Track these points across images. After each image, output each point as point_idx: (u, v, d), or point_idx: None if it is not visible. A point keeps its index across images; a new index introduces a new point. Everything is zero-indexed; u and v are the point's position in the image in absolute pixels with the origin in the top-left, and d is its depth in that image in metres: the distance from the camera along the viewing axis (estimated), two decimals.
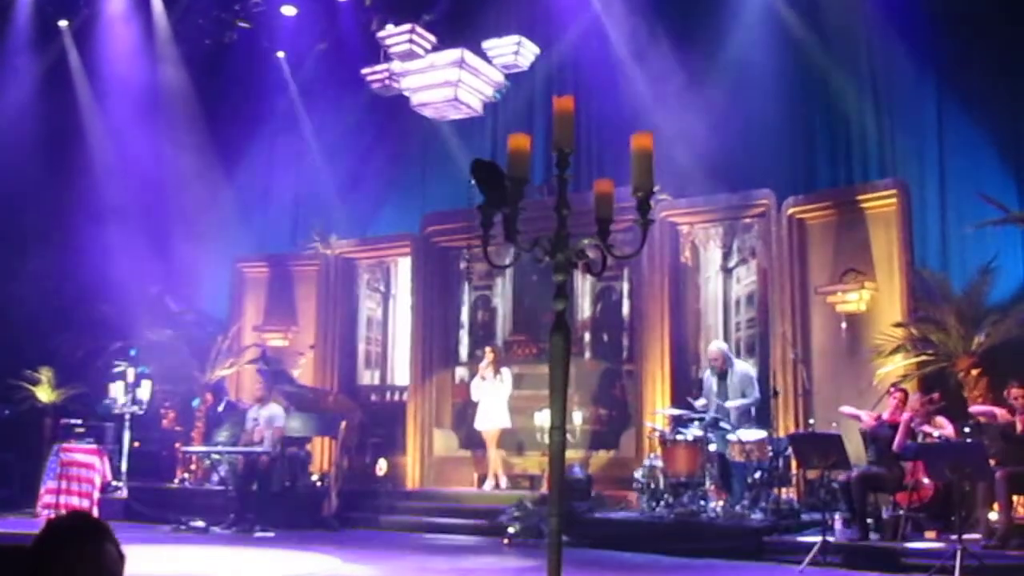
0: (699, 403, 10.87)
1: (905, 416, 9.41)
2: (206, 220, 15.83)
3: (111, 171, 15.81)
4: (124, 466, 13.53)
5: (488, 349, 13.42)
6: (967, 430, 9.66)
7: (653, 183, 4.27)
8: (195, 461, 14.11)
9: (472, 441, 13.55)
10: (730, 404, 10.66)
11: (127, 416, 13.59)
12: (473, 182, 4.19)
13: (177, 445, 14.42)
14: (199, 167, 16.05)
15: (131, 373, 13.86)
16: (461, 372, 14.63)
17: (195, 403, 14.80)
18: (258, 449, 12.18)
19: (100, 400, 14.03)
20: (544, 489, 11.44)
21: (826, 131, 13.11)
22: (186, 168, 16.00)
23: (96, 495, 12.77)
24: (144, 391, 13.79)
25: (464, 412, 13.69)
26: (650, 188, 4.24)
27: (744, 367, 11.12)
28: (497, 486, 12.81)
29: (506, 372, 13.12)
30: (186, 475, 14.07)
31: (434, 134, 15.27)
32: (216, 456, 12.75)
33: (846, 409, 9.97)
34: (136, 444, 13.94)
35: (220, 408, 13.60)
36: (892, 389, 9.90)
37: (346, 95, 15.71)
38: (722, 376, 10.89)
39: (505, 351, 14.28)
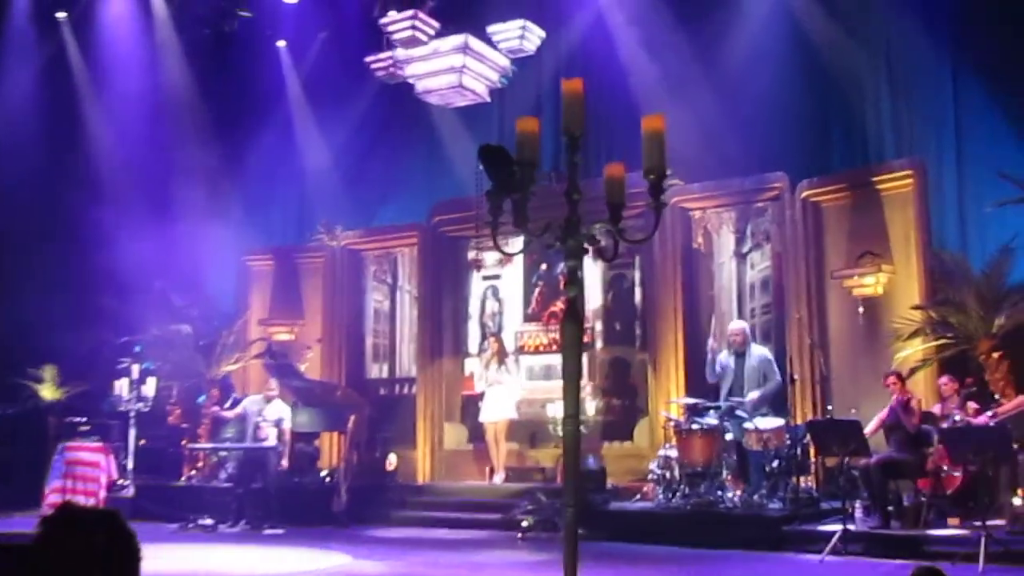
0: (722, 391, 10.76)
1: (898, 398, 9.40)
2: (210, 213, 15.81)
3: (114, 164, 15.81)
4: (130, 464, 13.54)
5: (491, 339, 13.44)
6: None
7: (665, 166, 4.25)
8: (202, 458, 14.11)
9: (481, 433, 13.53)
10: (753, 395, 10.58)
11: (132, 413, 13.60)
12: (481, 168, 4.18)
13: (183, 442, 14.43)
14: (202, 159, 16.04)
15: (136, 369, 13.85)
16: (471, 364, 14.60)
17: (201, 399, 14.81)
18: (265, 445, 12.17)
19: (105, 397, 14.03)
20: (558, 481, 11.41)
21: (840, 111, 13.02)
22: (189, 160, 15.99)
23: (102, 494, 12.79)
24: (149, 388, 13.78)
25: (474, 405, 13.68)
26: (662, 171, 4.24)
27: (762, 351, 11.08)
28: (507, 479, 12.79)
29: (512, 363, 13.10)
30: (193, 472, 14.08)
31: (440, 122, 15.21)
32: (223, 453, 12.74)
33: (869, 430, 9.74)
34: (142, 442, 13.95)
35: (227, 405, 13.57)
36: (884, 377, 9.87)
37: (350, 84, 15.65)
38: (740, 357, 10.84)
39: (516, 341, 14.27)
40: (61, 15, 16.32)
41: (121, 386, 13.65)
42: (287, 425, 12.35)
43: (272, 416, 12.35)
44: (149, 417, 14.11)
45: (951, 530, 8.93)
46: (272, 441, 12.20)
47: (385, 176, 16.23)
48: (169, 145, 15.97)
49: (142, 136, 15.55)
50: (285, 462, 12.63)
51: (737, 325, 11.21)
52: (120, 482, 13.38)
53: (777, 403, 10.87)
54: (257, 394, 13.24)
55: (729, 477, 10.41)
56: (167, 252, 15.30)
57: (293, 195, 17.06)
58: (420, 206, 15.31)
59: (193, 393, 15.04)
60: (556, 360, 12.15)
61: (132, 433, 13.66)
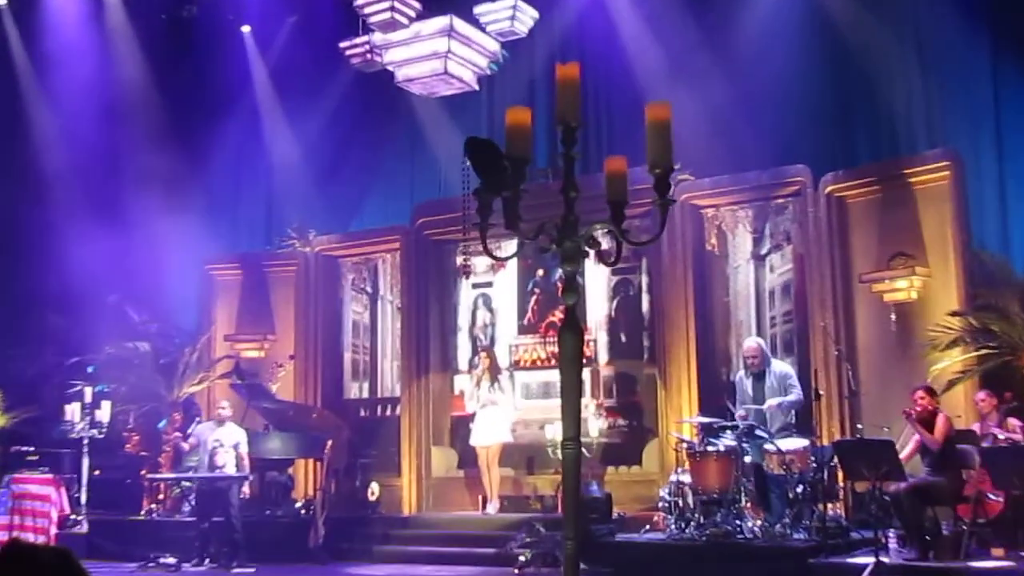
0: (740, 413, 10.74)
1: (914, 411, 9.33)
2: (169, 218, 15.77)
3: (61, 165, 15.76)
4: (84, 497, 13.49)
5: (483, 354, 13.42)
6: None
7: (672, 159, 4.27)
8: (163, 490, 14.06)
9: (473, 459, 13.49)
10: (771, 403, 10.54)
11: (85, 441, 13.55)
12: (468, 163, 4.18)
13: (143, 472, 14.37)
14: (159, 158, 16.00)
15: (89, 392, 13.82)
16: (461, 381, 14.57)
17: (162, 424, 14.76)
18: (236, 474, 12.13)
19: (55, 424, 13.99)
20: (558, 510, 11.37)
21: (866, 98, 13.01)
22: (145, 160, 15.94)
23: (53, 530, 12.75)
24: (104, 412, 13.74)
25: (465, 427, 13.66)
26: (669, 165, 4.26)
27: (783, 367, 11.03)
28: (501, 509, 12.75)
29: (506, 380, 13.07)
30: (154, 506, 14.03)
31: (423, 113, 15.19)
32: (187, 483, 12.69)
33: (905, 453, 9.68)
34: (96, 472, 13.91)
35: (190, 431, 13.52)
36: (912, 391, 9.78)
37: (322, 73, 15.65)
38: (759, 377, 10.80)
39: (511, 356, 14.24)
40: (1, 1, 16.28)
41: (73, 411, 13.61)
42: (245, 449, 12.28)
43: (228, 440, 12.26)
44: (104, 445, 14.07)
45: (995, 561, 8.88)
46: (231, 468, 12.12)
47: (363, 175, 16.24)
48: (122, 143, 15.93)
49: (92, 133, 15.50)
50: (247, 489, 12.56)
51: (752, 343, 11.11)
52: (73, 517, 13.33)
53: (800, 422, 10.84)
54: (209, 419, 13.13)
55: (748, 504, 10.37)
56: (122, 262, 15.26)
57: (261, 197, 17.05)
58: (402, 207, 15.30)
59: (153, 418, 15.00)
60: (555, 376, 12.12)
61: (85, 463, 13.62)
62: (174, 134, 16.18)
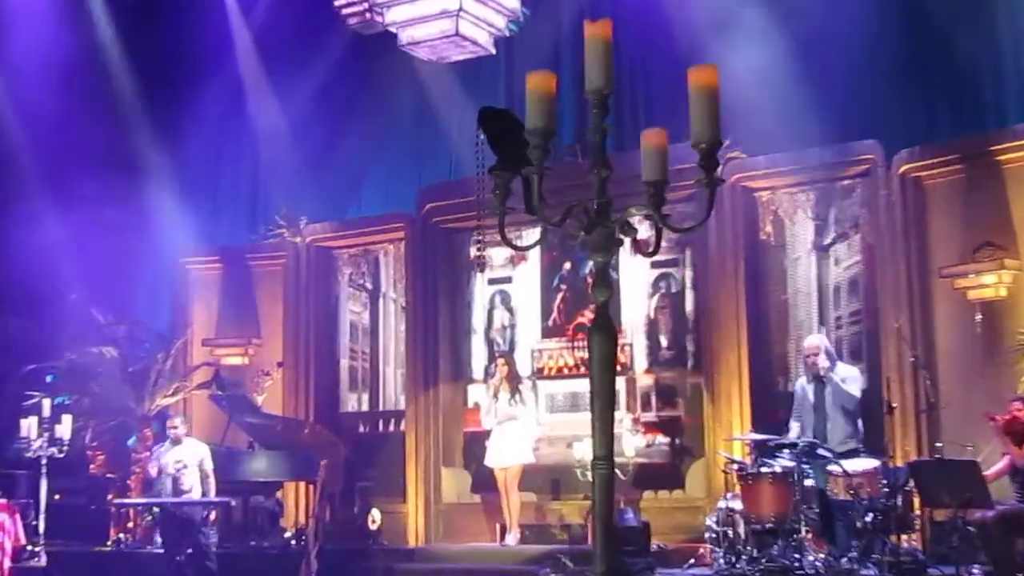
0: (792, 431, 10.70)
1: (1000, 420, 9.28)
2: (139, 205, 15.81)
3: (12, 146, 15.78)
4: (41, 525, 13.50)
5: (501, 361, 13.35)
6: None
7: (720, 132, 4.24)
8: (133, 517, 14.08)
9: (489, 482, 13.48)
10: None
11: (44, 461, 13.56)
12: (483, 138, 4.17)
13: (109, 497, 14.41)
14: (126, 138, 16.03)
15: (47, 405, 13.82)
16: (475, 392, 14.58)
17: (131, 442, 14.79)
18: (215, 499, 12.14)
19: (8, 441, 14.02)
20: (588, 542, 11.35)
21: (949, 63, 12.89)
22: (111, 139, 15.97)
23: (7, 564, 12.75)
24: (64, 428, 13.74)
25: (480, 445, 13.66)
26: (716, 139, 4.25)
27: (850, 371, 10.99)
28: (522, 540, 12.73)
29: (527, 390, 13.04)
30: (122, 536, 14.06)
31: (431, 81, 15.17)
32: (159, 510, 12.70)
33: (990, 473, 9.62)
34: (56, 497, 13.93)
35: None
36: (1008, 403, 9.73)
37: (315, 36, 15.64)
38: (821, 382, 10.75)
39: (533, 362, 14.22)
40: None
41: (29, 427, 13.61)
42: (209, 465, 12.31)
43: (191, 458, 12.28)
44: (65, 465, 14.08)
45: None
46: (197, 491, 12.15)
47: (362, 154, 16.21)
48: (84, 119, 15.90)
49: (50, 109, 15.50)
50: (213, 515, 12.55)
51: (813, 341, 11.13)
52: (29, 548, 13.34)
53: (871, 439, 10.78)
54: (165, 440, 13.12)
55: (809, 535, 10.34)
56: (84, 256, 15.29)
57: (244, 180, 17.07)
58: (407, 191, 15.32)
59: (121, 434, 15.06)
60: (584, 386, 12.06)
61: (44, 486, 13.62)
62: (145, 110, 16.21)
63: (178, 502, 12.12)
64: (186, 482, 12.20)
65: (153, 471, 12.76)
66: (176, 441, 12.44)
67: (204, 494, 12.21)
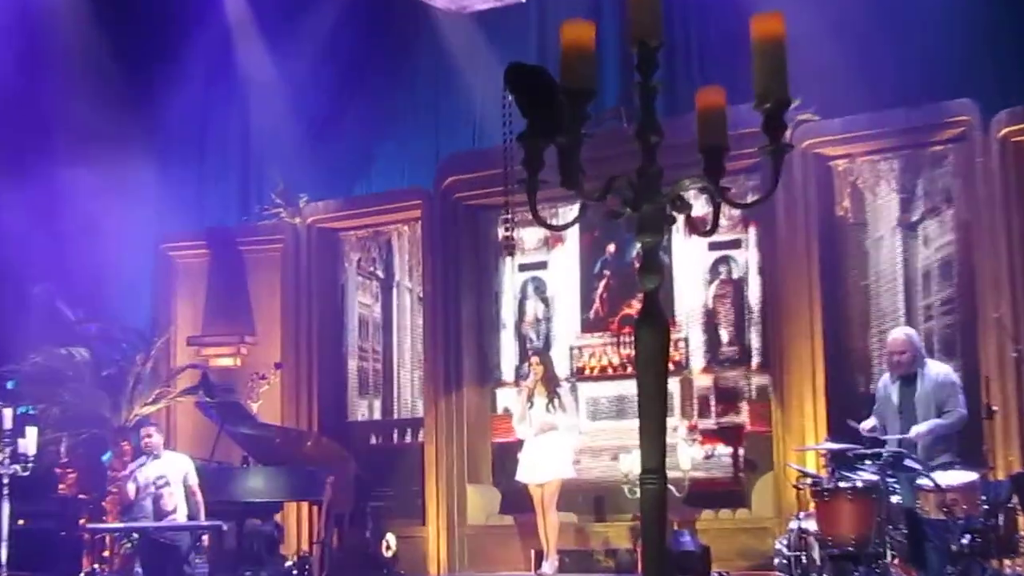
0: (866, 424, 10.70)
1: None
2: (113, 182, 15.85)
3: None
4: (3, 554, 13.61)
5: (534, 360, 13.29)
6: None
7: (788, 91, 4.21)
8: (109, 544, 14.16)
9: (522, 501, 13.51)
10: (919, 429, 10.47)
11: (5, 480, 13.66)
12: (511, 99, 4.16)
13: (82, 521, 14.48)
14: (99, 104, 16.06)
15: (8, 416, 13.89)
16: (505, 397, 14.61)
17: (106, 457, 14.86)
18: (207, 523, 12.19)
19: None
20: (638, 570, 11.38)
21: None
22: (80, 106, 16.01)
23: None
24: (29, 442, 13.80)
25: (511, 458, 13.69)
26: (784, 98, 4.22)
27: (942, 369, 10.94)
28: (560, 568, 12.76)
29: (567, 393, 13.04)
30: (97, 566, 14.14)
31: (452, 35, 15.19)
32: (138, 536, 12.78)
33: None
34: (21, 522, 14.00)
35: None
36: None
37: None
38: (908, 382, 10.71)
39: (572, 361, 14.23)
40: None
41: None
42: (195, 480, 12.34)
43: (174, 474, 12.31)
44: (30, 485, 14.15)
45: None
46: (183, 511, 12.20)
47: (371, 121, 16.23)
48: (49, 84, 16.00)
49: (8, 76, 15.59)
50: (203, 541, 12.61)
51: (899, 335, 11.01)
52: None
53: (965, 447, 10.76)
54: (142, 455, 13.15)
55: (896, 561, 10.33)
56: (51, 242, 15.37)
57: (234, 152, 17.09)
58: (424, 163, 15.37)
59: (94, 449, 15.11)
60: (631, 389, 12.07)
61: (5, 509, 13.71)
62: (119, 73, 16.26)
63: (161, 527, 12.15)
64: (169, 502, 12.21)
65: (131, 491, 12.80)
66: (152, 454, 12.48)
67: (191, 516, 12.24)
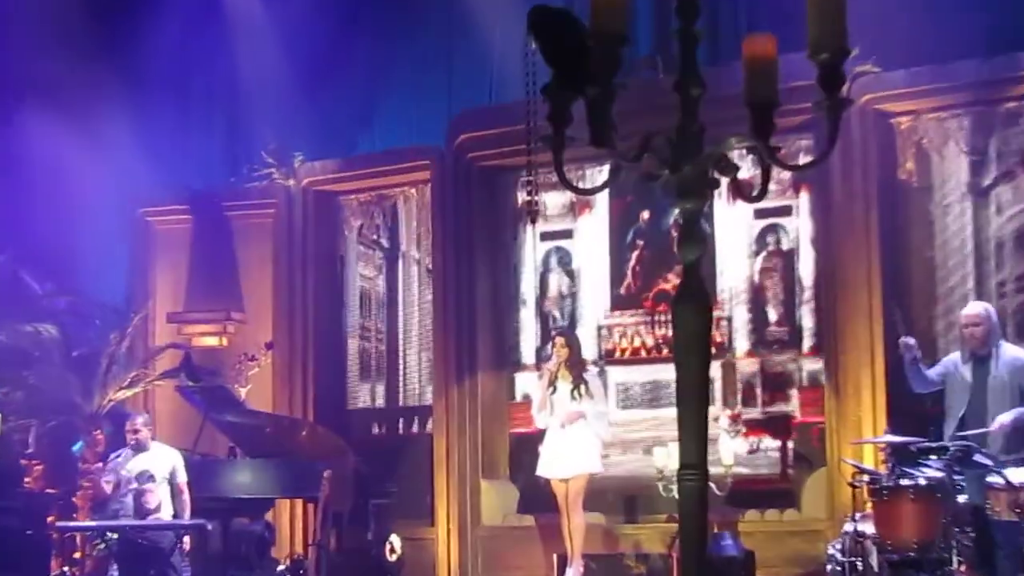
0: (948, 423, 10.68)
1: None
2: (85, 141, 15.87)
3: None
4: None
5: (559, 341, 13.25)
6: None
7: (846, 40, 4.19)
8: (81, 544, 14.22)
9: (543, 499, 13.54)
10: (1003, 419, 10.46)
11: None
12: (534, 47, 4.16)
13: (50, 519, 14.55)
14: (67, 59, 16.06)
15: None
16: (525, 382, 14.64)
17: (77, 448, 14.92)
18: (189, 522, 12.23)
19: None
20: None
21: None
22: (48, 57, 16.01)
23: None
24: None
25: (531, 450, 13.71)
26: (842, 48, 4.17)
27: (1020, 353, 10.94)
28: (586, 574, 12.79)
29: (594, 379, 13.04)
30: (67, 569, 14.21)
31: None
32: (113, 535, 12.84)
33: None
34: None
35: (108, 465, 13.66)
36: None
37: None
38: (981, 362, 10.71)
39: (601, 343, 14.25)
40: None
41: None
42: (183, 477, 12.37)
43: (160, 469, 12.34)
44: None
45: None
46: (168, 511, 12.24)
47: (374, 72, 16.23)
48: (8, 26, 16.01)
49: None
50: (186, 542, 12.65)
51: (976, 309, 11.06)
52: None
53: None
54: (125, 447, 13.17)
55: (963, 567, 10.35)
56: (15, 208, 15.40)
57: (220, 108, 17.09)
58: (434, 119, 15.33)
59: (64, 438, 15.16)
60: (668, 373, 12.09)
61: None
62: (92, 18, 16.25)
63: (140, 526, 12.19)
64: (152, 499, 12.23)
65: (108, 486, 12.83)
66: (139, 447, 12.52)
67: (177, 515, 12.30)
